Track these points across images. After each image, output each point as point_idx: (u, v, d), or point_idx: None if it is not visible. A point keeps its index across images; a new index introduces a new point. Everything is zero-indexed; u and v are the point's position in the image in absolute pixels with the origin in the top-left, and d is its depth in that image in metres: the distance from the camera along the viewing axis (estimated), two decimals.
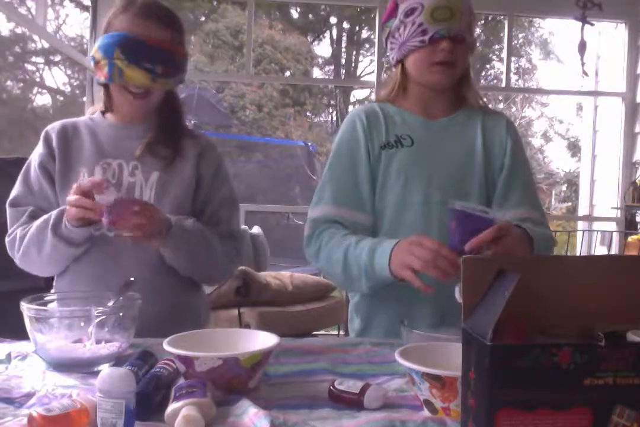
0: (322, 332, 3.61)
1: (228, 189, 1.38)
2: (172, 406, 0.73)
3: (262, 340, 0.91)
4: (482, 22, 11.18)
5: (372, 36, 12.12)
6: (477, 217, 1.06)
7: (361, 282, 1.22)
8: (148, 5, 1.25)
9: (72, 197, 1.13)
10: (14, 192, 1.32)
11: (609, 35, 4.02)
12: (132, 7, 1.24)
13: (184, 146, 1.33)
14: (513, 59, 13.11)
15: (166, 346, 0.86)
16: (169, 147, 1.31)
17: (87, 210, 1.12)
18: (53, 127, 1.33)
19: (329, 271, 1.30)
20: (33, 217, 1.26)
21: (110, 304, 1.02)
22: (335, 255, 1.24)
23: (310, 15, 13.30)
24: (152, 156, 1.29)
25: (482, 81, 12.51)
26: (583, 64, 3.58)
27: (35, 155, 1.31)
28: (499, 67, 12.97)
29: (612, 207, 3.89)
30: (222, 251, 1.29)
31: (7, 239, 1.28)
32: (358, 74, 13.63)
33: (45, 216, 1.23)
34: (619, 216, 3.84)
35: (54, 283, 1.33)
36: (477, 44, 1.41)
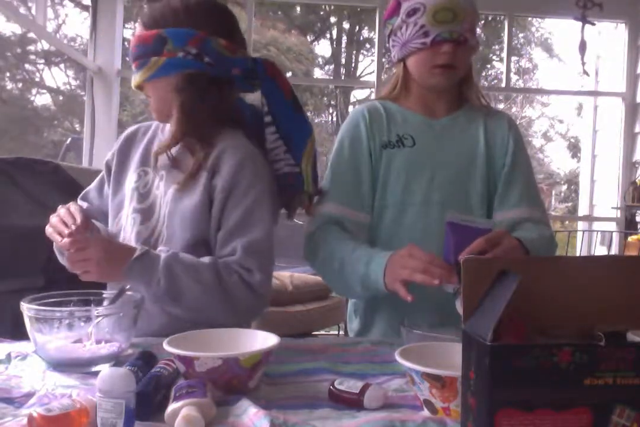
0: (322, 332, 3.60)
1: (246, 209, 1.13)
2: (172, 406, 0.73)
3: (262, 340, 0.91)
4: (482, 22, 11.18)
5: (373, 36, 12.11)
6: (470, 227, 1.06)
7: (358, 291, 1.21)
8: (147, 10, 1.18)
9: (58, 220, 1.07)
10: (89, 186, 1.33)
11: (609, 35, 4.02)
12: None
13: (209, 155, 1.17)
14: (513, 59, 13.12)
15: (166, 346, 0.86)
16: (198, 158, 1.16)
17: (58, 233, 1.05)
18: (129, 128, 1.32)
19: (325, 273, 1.29)
20: None
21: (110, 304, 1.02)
22: (332, 259, 1.22)
23: (310, 15, 13.29)
24: (178, 168, 1.18)
25: (482, 81, 12.50)
26: (584, 64, 3.58)
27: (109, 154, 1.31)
28: (499, 67, 12.96)
29: (612, 207, 3.89)
30: (217, 291, 1.07)
31: None
32: (358, 74, 13.62)
33: None
34: (619, 216, 3.84)
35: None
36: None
